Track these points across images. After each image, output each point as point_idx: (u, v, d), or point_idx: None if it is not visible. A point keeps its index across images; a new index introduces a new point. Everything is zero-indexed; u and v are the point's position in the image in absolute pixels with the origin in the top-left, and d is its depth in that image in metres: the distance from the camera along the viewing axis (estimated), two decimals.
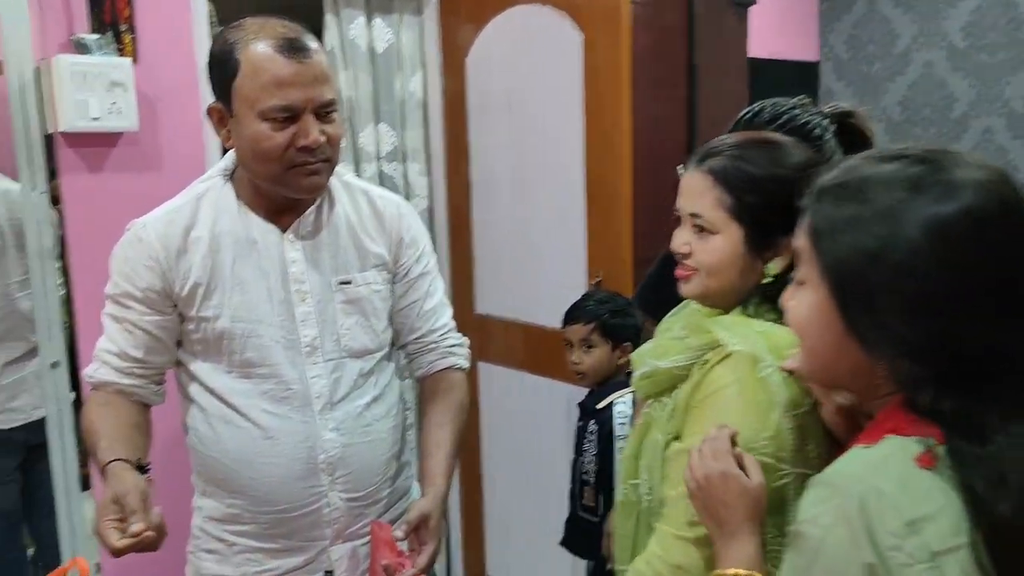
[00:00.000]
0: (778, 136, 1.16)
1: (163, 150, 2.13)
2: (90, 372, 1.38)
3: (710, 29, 2.85)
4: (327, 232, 1.41)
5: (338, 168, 1.41)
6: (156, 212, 1.38)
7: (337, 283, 1.40)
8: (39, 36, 1.94)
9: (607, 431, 2.00)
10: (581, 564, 2.37)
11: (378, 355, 1.46)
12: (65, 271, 2.10)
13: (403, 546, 1.32)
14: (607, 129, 2.28)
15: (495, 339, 2.73)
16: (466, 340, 1.60)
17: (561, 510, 2.61)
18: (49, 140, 1.99)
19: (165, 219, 1.35)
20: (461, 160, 2.74)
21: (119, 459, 1.23)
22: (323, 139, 1.28)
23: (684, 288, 1.15)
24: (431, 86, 2.78)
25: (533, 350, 2.59)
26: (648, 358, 1.16)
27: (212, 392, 1.38)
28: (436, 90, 2.78)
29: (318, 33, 2.52)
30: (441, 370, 1.54)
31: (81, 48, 1.96)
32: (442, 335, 1.55)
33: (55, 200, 2.08)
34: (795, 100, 1.31)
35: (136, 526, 1.12)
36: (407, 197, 2.77)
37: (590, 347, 2.12)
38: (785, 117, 1.27)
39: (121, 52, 2.04)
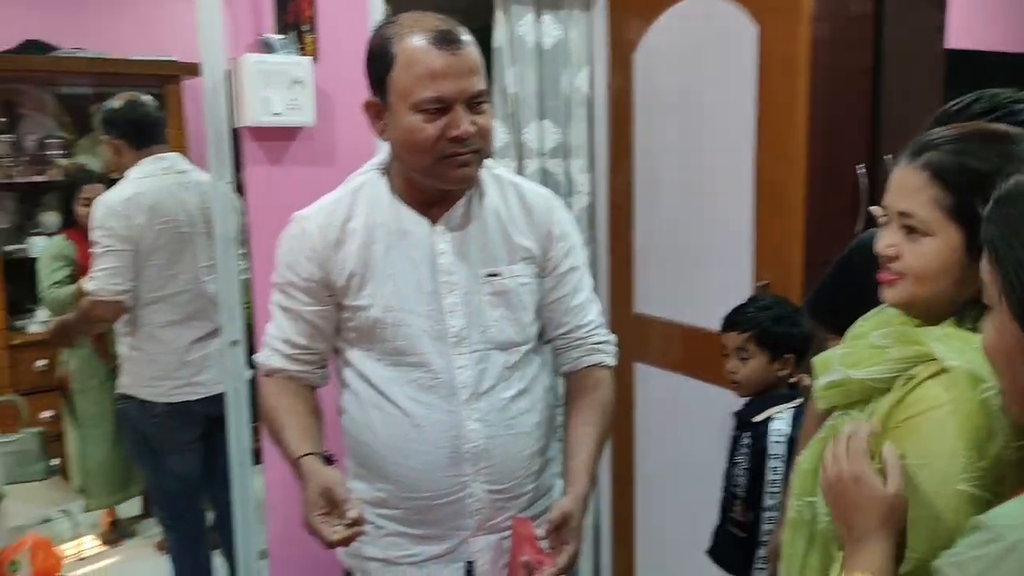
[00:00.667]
0: (1009, 128, 1.03)
1: (337, 144, 2.23)
2: (262, 359, 1.47)
3: (901, 18, 2.65)
4: (476, 224, 1.42)
5: (488, 162, 1.42)
6: (317, 204, 1.44)
7: (485, 275, 1.41)
8: (231, 38, 2.08)
9: (761, 447, 1.89)
10: None
11: (524, 348, 1.46)
12: (246, 256, 2.24)
13: (544, 545, 1.31)
14: (781, 127, 2.17)
15: (653, 339, 2.67)
16: (613, 337, 1.57)
17: (713, 516, 2.52)
18: (235, 134, 2.14)
19: (325, 211, 1.41)
20: (624, 157, 2.69)
21: (310, 453, 1.31)
22: (473, 129, 1.29)
23: (887, 294, 1.05)
24: (597, 82, 2.75)
25: (692, 353, 2.52)
26: (838, 365, 1.07)
27: (364, 378, 1.42)
28: (602, 86, 2.75)
29: (488, 31, 2.57)
30: (587, 367, 1.52)
31: (267, 48, 2.08)
32: (589, 331, 1.53)
33: (240, 190, 2.23)
34: (1012, 91, 1.19)
35: (352, 512, 1.22)
36: (569, 194, 2.76)
37: (746, 357, 2.00)
38: (1004, 110, 1.15)
39: (302, 51, 2.15)
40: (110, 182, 2.80)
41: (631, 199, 2.68)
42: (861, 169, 2.58)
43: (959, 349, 0.95)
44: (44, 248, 3.21)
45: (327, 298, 1.41)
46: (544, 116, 2.69)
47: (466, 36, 1.31)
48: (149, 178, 2.56)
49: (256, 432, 2.28)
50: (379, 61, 1.31)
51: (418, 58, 1.26)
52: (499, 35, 2.58)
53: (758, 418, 1.93)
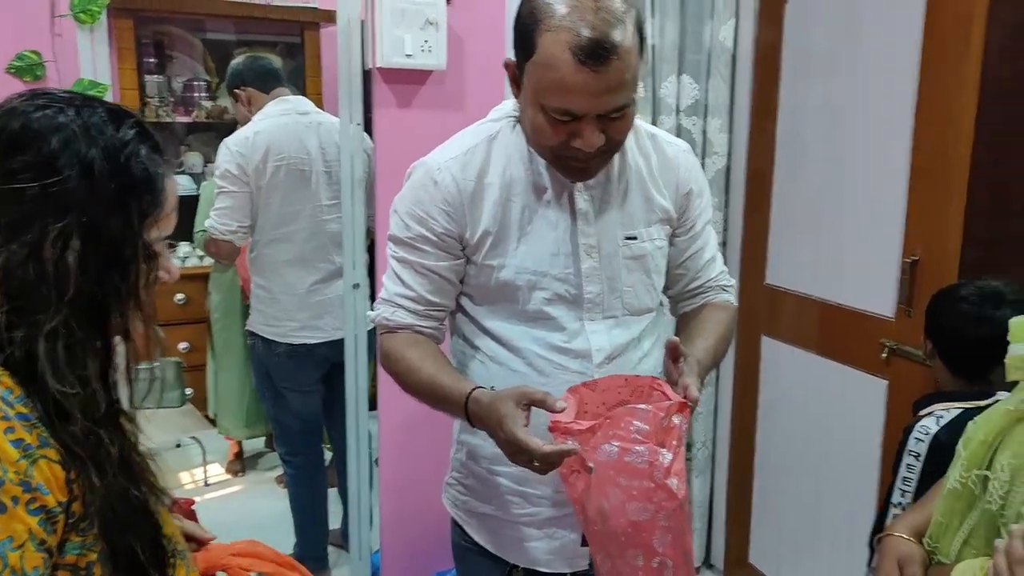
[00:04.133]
0: None
1: (466, 90, 2.19)
2: (386, 315, 1.36)
3: None
4: (617, 183, 1.34)
5: None
6: (447, 152, 1.34)
7: (623, 238, 1.34)
8: None
9: (902, 441, 1.73)
10: (854, 559, 2.14)
11: (653, 313, 1.41)
12: (370, 200, 2.24)
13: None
14: (948, 89, 1.96)
15: (784, 314, 2.52)
16: (735, 283, 1.54)
17: (836, 505, 2.37)
18: (366, 77, 2.12)
19: (460, 161, 1.31)
20: (768, 119, 2.52)
21: (477, 387, 1.25)
22: (601, 143, 1.19)
23: None
24: (743, 36, 2.59)
25: (826, 331, 2.35)
26: None
27: (488, 333, 1.36)
28: (748, 41, 2.58)
29: None
30: (716, 301, 1.48)
31: None
32: (717, 281, 1.50)
33: (368, 132, 2.23)
34: None
35: (559, 404, 1.14)
36: (704, 154, 2.63)
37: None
38: None
39: None
40: None
41: (772, 164, 2.52)
42: None
43: None
44: (203, 190, 3.33)
45: (459, 252, 1.34)
46: (683, 71, 2.56)
47: (621, 41, 1.11)
48: (269, 119, 2.61)
49: (374, 377, 2.29)
50: (522, 38, 1.18)
51: (555, 65, 1.12)
52: None
53: (923, 412, 1.76)
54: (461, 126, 1.41)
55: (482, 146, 1.32)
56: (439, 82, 2.14)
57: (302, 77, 3.95)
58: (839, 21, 2.26)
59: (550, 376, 1.32)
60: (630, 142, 1.36)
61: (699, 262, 1.46)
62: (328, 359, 2.74)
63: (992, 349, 1.66)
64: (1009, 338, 1.04)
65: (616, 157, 1.33)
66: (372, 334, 2.28)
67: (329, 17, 3.67)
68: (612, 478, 1.11)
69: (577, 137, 1.18)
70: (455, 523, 1.50)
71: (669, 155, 1.40)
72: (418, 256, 1.32)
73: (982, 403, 1.68)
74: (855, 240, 2.24)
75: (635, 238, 1.34)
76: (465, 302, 1.39)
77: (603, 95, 1.14)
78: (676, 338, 1.25)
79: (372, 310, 1.40)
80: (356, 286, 2.16)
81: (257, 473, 3.76)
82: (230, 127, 2.95)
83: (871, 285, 2.18)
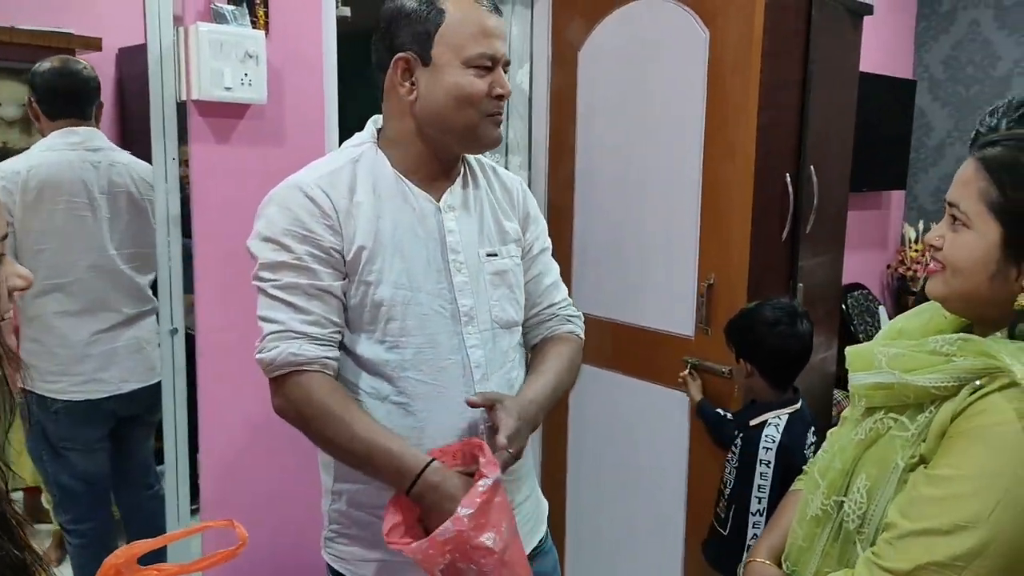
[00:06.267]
0: None
1: (286, 124, 2.13)
2: (292, 351, 1.24)
3: (826, 36, 2.79)
4: (474, 204, 1.42)
5: None
6: (312, 173, 1.32)
7: (485, 255, 1.40)
8: (181, 3, 1.95)
9: (751, 450, 1.93)
10: (665, 566, 2.31)
11: (519, 329, 1.48)
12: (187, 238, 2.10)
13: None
14: (730, 132, 2.23)
15: (590, 339, 2.65)
16: (581, 314, 1.61)
17: (646, 519, 2.55)
18: (181, 108, 2.00)
19: (327, 180, 1.31)
20: (566, 156, 2.70)
21: (430, 461, 1.25)
22: (510, 90, 1.34)
23: (928, 286, 1.07)
24: (538, 80, 2.76)
25: (632, 351, 2.55)
26: (886, 367, 1.05)
27: (362, 364, 1.33)
28: (543, 84, 2.75)
29: None
30: (560, 333, 1.54)
31: (219, 18, 1.97)
32: (562, 307, 1.57)
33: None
34: None
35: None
36: None
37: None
38: None
39: (255, 25, 2.04)
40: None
41: (572, 198, 2.69)
42: (788, 178, 2.70)
43: None
44: None
45: (344, 270, 1.30)
46: None
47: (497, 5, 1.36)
48: (52, 152, 2.35)
49: (193, 430, 2.14)
50: (423, 17, 1.30)
51: (472, 16, 1.30)
52: None
53: (755, 422, 1.96)
54: (281, 161, 1.41)
55: (347, 167, 1.34)
56: (258, 116, 2.07)
57: None
58: (630, 65, 2.48)
59: (430, 407, 1.32)
60: (477, 171, 1.46)
61: (540, 286, 1.53)
62: (115, 414, 2.51)
63: (801, 358, 1.92)
64: (848, 366, 1.14)
65: (471, 180, 1.43)
66: (192, 379, 2.14)
67: (90, 44, 3.37)
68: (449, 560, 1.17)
69: (497, 86, 1.32)
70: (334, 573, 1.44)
71: (509, 185, 1.51)
72: (308, 277, 1.26)
73: (798, 406, 1.93)
74: (655, 267, 2.46)
75: (495, 255, 1.42)
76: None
77: (503, 41, 1.34)
78: (473, 397, 1.32)
79: (259, 352, 1.27)
80: (174, 331, 2.01)
81: None
82: None
83: (672, 308, 2.40)
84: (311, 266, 1.27)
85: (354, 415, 1.26)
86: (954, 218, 1.03)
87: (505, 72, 1.36)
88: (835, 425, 1.28)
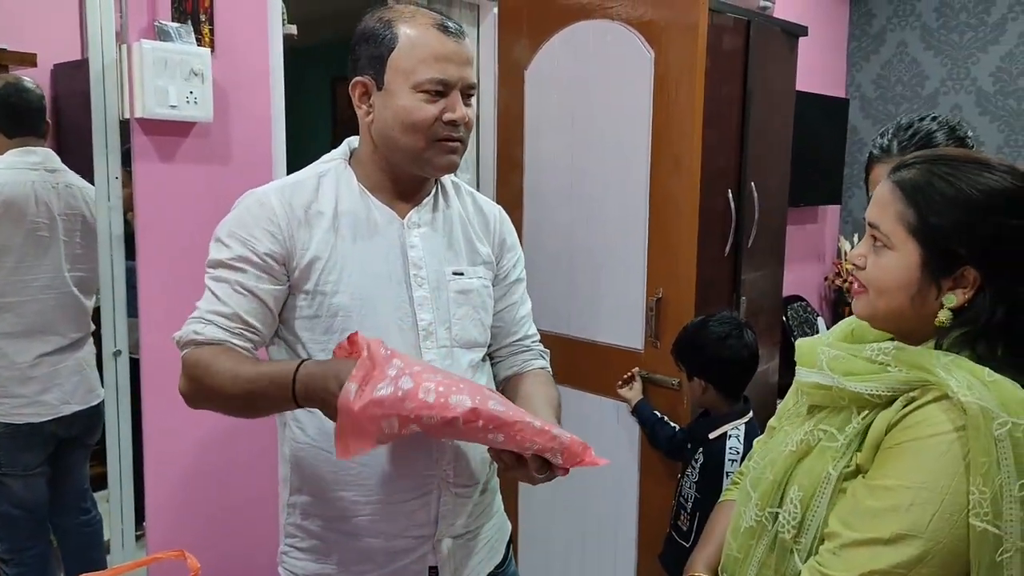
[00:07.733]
0: (988, 157, 1.07)
1: (232, 143, 2.11)
2: (196, 329, 1.28)
3: (763, 56, 2.88)
4: (443, 223, 1.42)
5: None
6: (275, 184, 1.37)
7: (451, 273, 1.40)
8: (122, 20, 1.92)
9: (716, 463, 1.95)
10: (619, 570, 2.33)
11: (483, 351, 1.46)
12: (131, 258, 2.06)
13: None
14: (676, 149, 2.28)
15: None
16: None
17: (598, 530, 2.56)
18: (124, 126, 1.97)
19: (288, 190, 1.34)
20: (514, 173, 2.73)
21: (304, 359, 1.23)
22: (467, 116, 1.31)
23: (854, 306, 1.10)
24: (485, 98, 2.78)
25: (583, 366, 2.57)
26: (827, 369, 1.07)
27: None
28: (490, 102, 2.78)
29: None
30: (536, 368, 1.53)
31: (163, 35, 1.94)
32: (535, 341, 1.56)
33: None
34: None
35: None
36: None
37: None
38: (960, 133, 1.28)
39: (200, 43, 2.02)
40: None
41: (521, 215, 2.72)
42: (730, 194, 2.78)
43: (968, 382, 0.95)
44: None
45: (283, 278, 1.32)
46: None
47: (463, 30, 1.34)
48: (13, 170, 2.30)
49: (138, 452, 2.09)
50: (377, 40, 1.30)
51: (424, 41, 1.29)
52: None
53: (714, 435, 1.99)
54: (227, 179, 1.40)
55: (311, 180, 1.36)
56: (204, 135, 2.05)
57: None
58: (576, 84, 2.52)
59: None
60: (452, 193, 1.46)
61: (514, 315, 1.52)
62: (56, 436, 2.44)
63: (752, 367, 1.97)
64: (796, 359, 1.16)
65: (442, 200, 1.43)
66: (136, 401, 2.09)
67: (25, 60, 3.29)
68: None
69: (449, 111, 1.29)
70: None
71: (486, 211, 1.50)
72: (237, 276, 1.30)
73: (751, 415, 1.97)
74: (605, 281, 2.49)
75: (462, 274, 1.41)
76: (292, 340, 1.35)
77: (465, 66, 1.31)
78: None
79: (178, 332, 1.31)
80: (117, 353, 1.97)
81: None
82: None
83: (622, 322, 2.43)
84: (241, 267, 1.30)
85: (240, 361, 1.26)
86: (875, 238, 1.06)
87: (468, 97, 1.33)
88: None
